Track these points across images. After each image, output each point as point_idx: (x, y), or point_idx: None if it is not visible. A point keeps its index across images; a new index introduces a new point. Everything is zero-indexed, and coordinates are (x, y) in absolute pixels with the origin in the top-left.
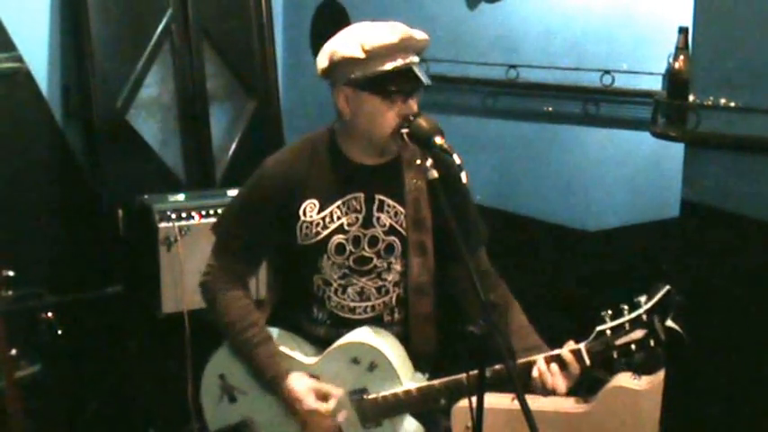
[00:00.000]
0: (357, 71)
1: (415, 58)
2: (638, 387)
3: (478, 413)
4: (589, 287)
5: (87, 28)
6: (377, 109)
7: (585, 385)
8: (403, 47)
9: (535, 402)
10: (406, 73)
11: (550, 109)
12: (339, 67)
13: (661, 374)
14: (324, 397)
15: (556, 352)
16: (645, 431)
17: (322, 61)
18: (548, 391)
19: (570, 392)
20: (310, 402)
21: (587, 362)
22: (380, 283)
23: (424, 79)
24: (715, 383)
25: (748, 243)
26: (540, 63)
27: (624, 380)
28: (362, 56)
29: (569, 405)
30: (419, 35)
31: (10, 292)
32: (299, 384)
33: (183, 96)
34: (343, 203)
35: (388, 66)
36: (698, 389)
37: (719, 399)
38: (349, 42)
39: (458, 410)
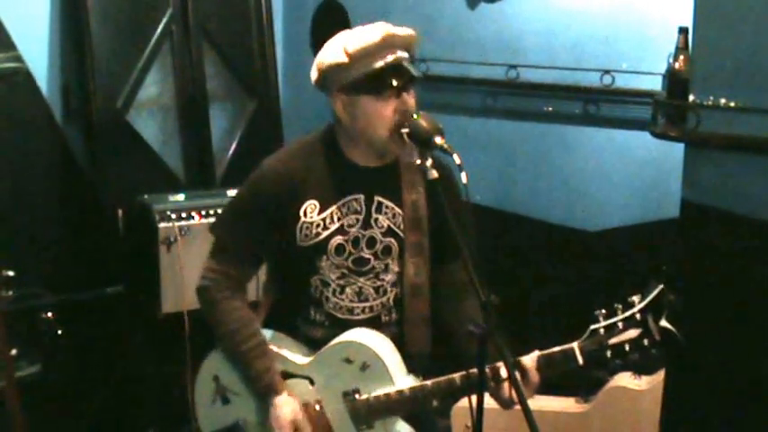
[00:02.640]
0: (346, 76)
1: (404, 54)
2: (638, 387)
3: (478, 413)
4: (589, 287)
5: (87, 28)
6: (373, 108)
7: (585, 385)
8: (387, 44)
9: (535, 402)
10: (395, 68)
11: (550, 109)
12: (329, 75)
13: (661, 374)
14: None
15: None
16: (645, 431)
17: (313, 74)
18: (506, 402)
19: (570, 392)
20: (285, 430)
21: (580, 361)
22: (378, 283)
23: (414, 72)
24: (715, 383)
25: (748, 243)
26: (540, 63)
27: (624, 380)
28: (347, 60)
29: (569, 405)
30: (402, 31)
31: (10, 292)
32: (286, 409)
33: (183, 96)
34: (344, 204)
35: (376, 64)
36: (698, 389)
37: (719, 399)
38: (333, 50)
39: (457, 410)
